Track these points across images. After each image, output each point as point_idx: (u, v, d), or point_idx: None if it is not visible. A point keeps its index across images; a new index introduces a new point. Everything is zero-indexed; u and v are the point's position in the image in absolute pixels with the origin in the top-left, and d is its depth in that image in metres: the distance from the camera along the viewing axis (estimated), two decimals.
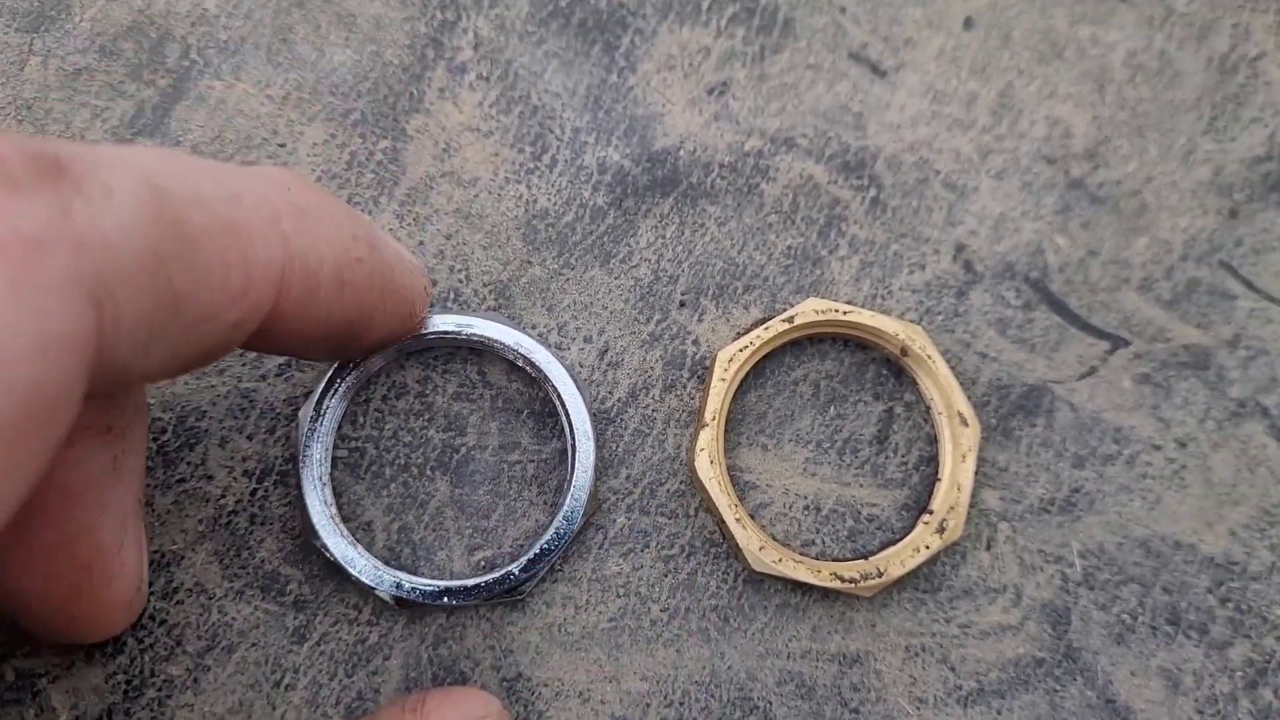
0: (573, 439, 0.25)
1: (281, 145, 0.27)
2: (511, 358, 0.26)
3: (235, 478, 0.26)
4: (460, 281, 0.27)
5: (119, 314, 0.14)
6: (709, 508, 0.26)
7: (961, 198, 0.29)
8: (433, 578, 0.26)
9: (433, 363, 0.27)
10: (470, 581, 0.25)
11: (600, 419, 0.27)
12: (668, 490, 0.27)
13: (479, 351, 0.27)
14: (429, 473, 0.26)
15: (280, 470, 0.26)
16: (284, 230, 0.18)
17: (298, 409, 0.26)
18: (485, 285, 0.27)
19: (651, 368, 0.27)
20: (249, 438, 0.26)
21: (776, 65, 0.29)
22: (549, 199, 0.28)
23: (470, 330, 0.25)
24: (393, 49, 0.28)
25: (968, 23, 0.30)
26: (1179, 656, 0.27)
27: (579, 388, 0.25)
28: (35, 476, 0.14)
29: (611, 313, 0.27)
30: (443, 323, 0.25)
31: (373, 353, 0.25)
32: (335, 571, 0.26)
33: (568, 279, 0.27)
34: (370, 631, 0.26)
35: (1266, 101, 0.30)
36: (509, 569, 0.25)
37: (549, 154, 0.28)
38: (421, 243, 0.27)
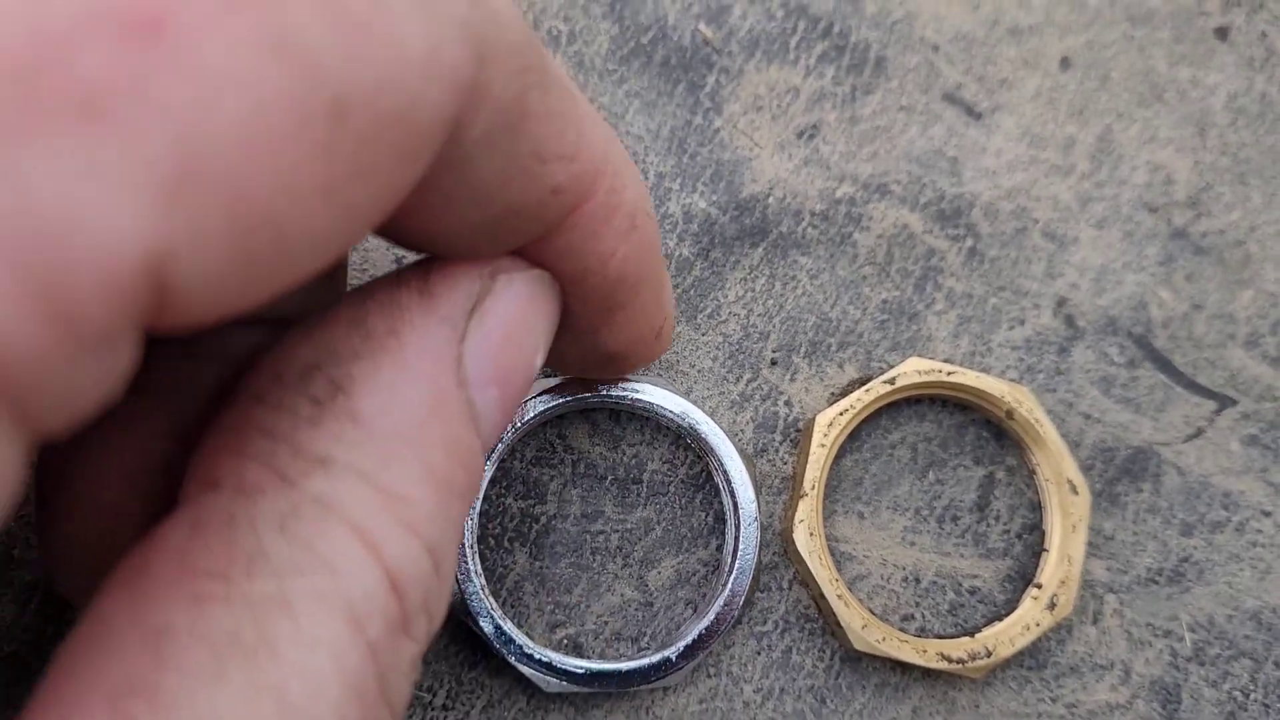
0: (736, 520, 0.24)
1: None
2: (673, 427, 0.24)
3: None
4: None
5: (489, 82, 0.13)
6: (805, 581, 0.25)
7: (1061, 248, 0.27)
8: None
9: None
10: (623, 666, 0.23)
11: (687, 485, 0.25)
12: (760, 562, 0.25)
13: (560, 415, 0.25)
14: (507, 544, 0.25)
15: None
16: (608, 138, 0.16)
17: None
18: None
19: (742, 430, 0.26)
20: None
21: (868, 107, 0.28)
22: None
23: (636, 396, 0.24)
24: None
25: (1064, 63, 0.29)
26: None
27: (747, 465, 0.24)
28: (391, 193, 0.12)
29: (699, 371, 0.26)
30: (606, 385, 0.24)
31: (592, 373, 0.22)
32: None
33: None
34: (446, 716, 0.24)
35: None
36: (666, 654, 0.23)
37: None
38: None
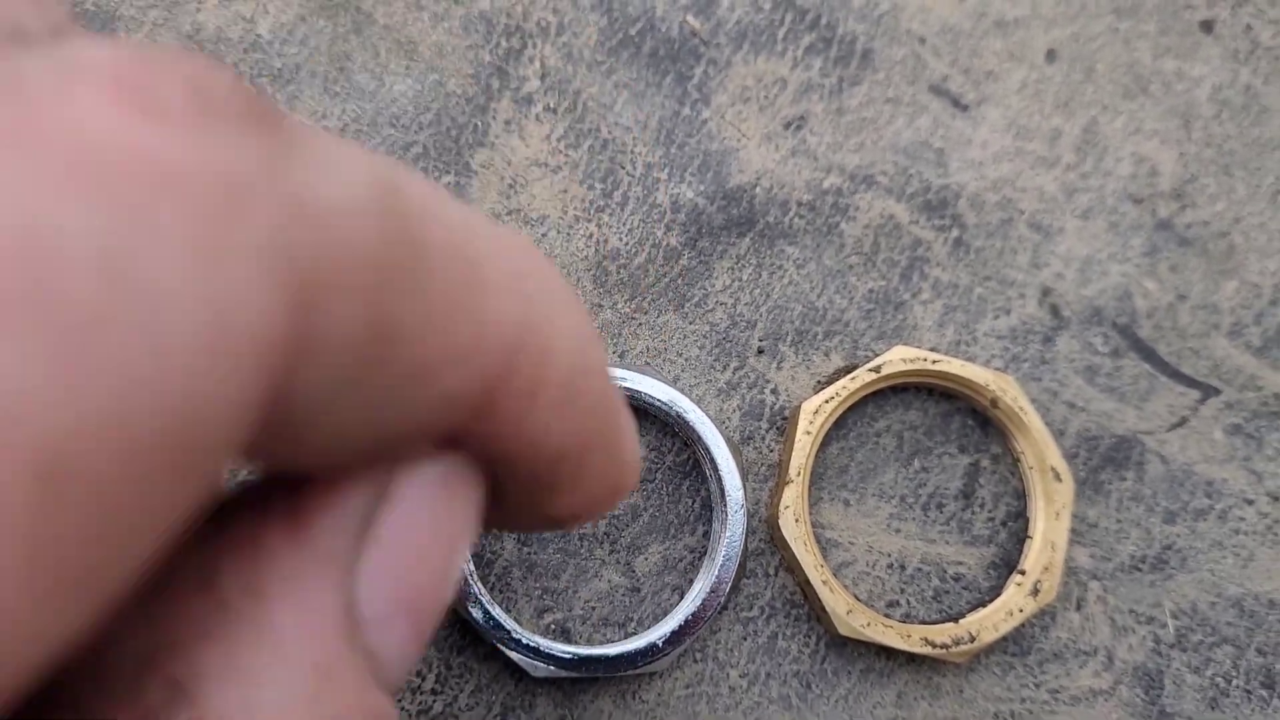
0: (723, 507, 0.24)
1: None
2: (661, 414, 0.24)
3: None
4: None
5: (325, 328, 0.10)
6: (791, 568, 0.25)
7: (1047, 239, 0.28)
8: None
9: None
10: (610, 650, 0.23)
11: (674, 472, 0.26)
12: (747, 548, 0.25)
13: None
14: (494, 530, 0.25)
15: None
16: (527, 291, 0.12)
17: None
18: None
19: (729, 418, 0.26)
20: None
21: (855, 98, 0.28)
22: (620, 239, 0.26)
23: (623, 384, 0.24)
24: (456, 79, 0.26)
25: (1050, 55, 0.29)
26: None
27: (733, 453, 0.24)
28: (154, 545, 0.09)
29: (686, 360, 0.26)
30: None
31: (549, 530, 0.20)
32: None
33: (640, 324, 0.26)
34: (434, 701, 0.24)
35: None
36: (651, 639, 0.23)
37: (620, 191, 0.26)
38: None
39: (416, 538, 0.12)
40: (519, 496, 0.14)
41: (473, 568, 0.23)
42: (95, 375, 0.07)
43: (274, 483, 0.12)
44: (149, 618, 0.11)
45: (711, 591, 0.24)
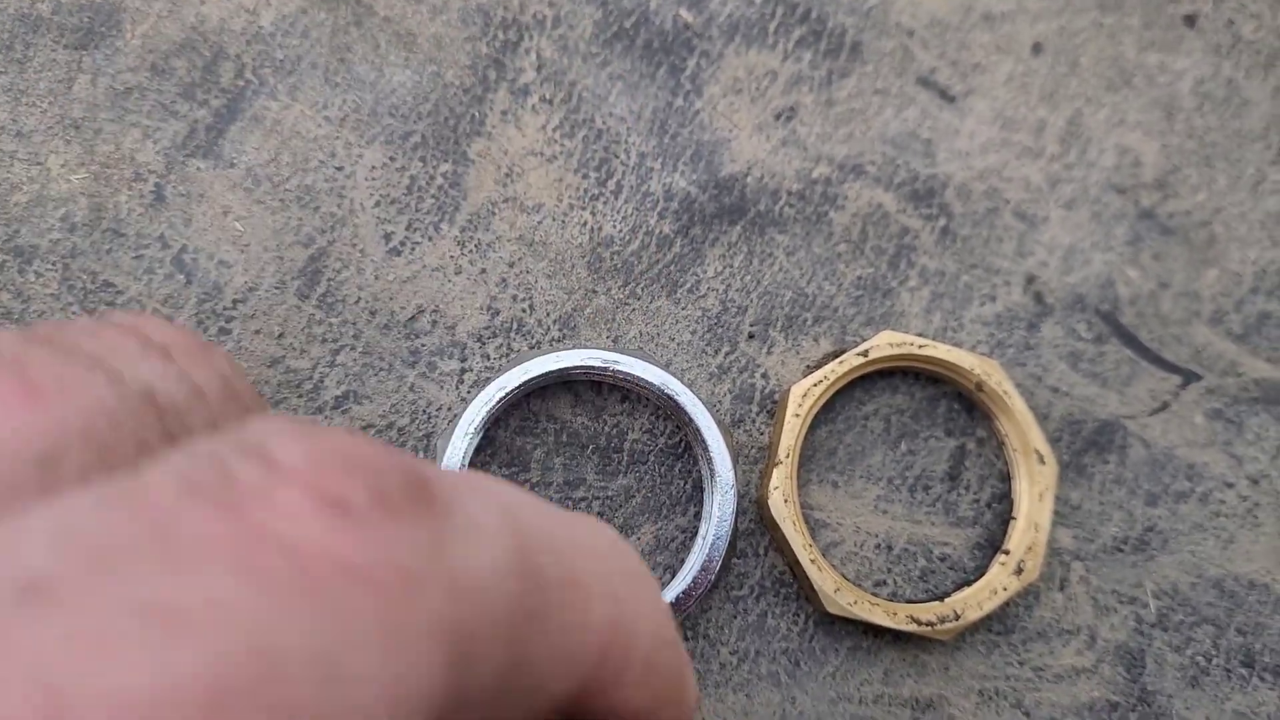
0: (713, 487, 0.25)
1: (339, 169, 0.26)
2: (654, 397, 0.25)
3: None
4: (524, 311, 0.26)
5: (473, 675, 0.11)
6: (780, 547, 0.26)
7: (1032, 228, 0.28)
8: None
9: None
10: None
11: (666, 454, 0.26)
12: (737, 528, 0.26)
13: (544, 385, 0.26)
14: None
15: None
16: (616, 590, 0.14)
17: None
18: (550, 316, 0.26)
19: (720, 401, 0.27)
20: None
21: (844, 90, 0.28)
22: (614, 226, 0.27)
23: (617, 367, 0.25)
24: (454, 69, 0.27)
25: (1036, 48, 0.29)
26: (1254, 700, 0.27)
27: (724, 435, 0.25)
28: None
29: (679, 344, 0.27)
30: (588, 358, 0.25)
31: None
32: None
33: (634, 309, 0.27)
34: None
35: None
36: None
37: (614, 180, 0.27)
38: (484, 270, 0.26)
39: None
40: None
41: None
42: None
43: None
44: None
45: (702, 570, 0.24)
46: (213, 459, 0.10)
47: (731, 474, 0.25)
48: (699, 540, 0.25)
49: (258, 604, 0.09)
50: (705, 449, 0.25)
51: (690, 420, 0.25)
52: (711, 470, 0.25)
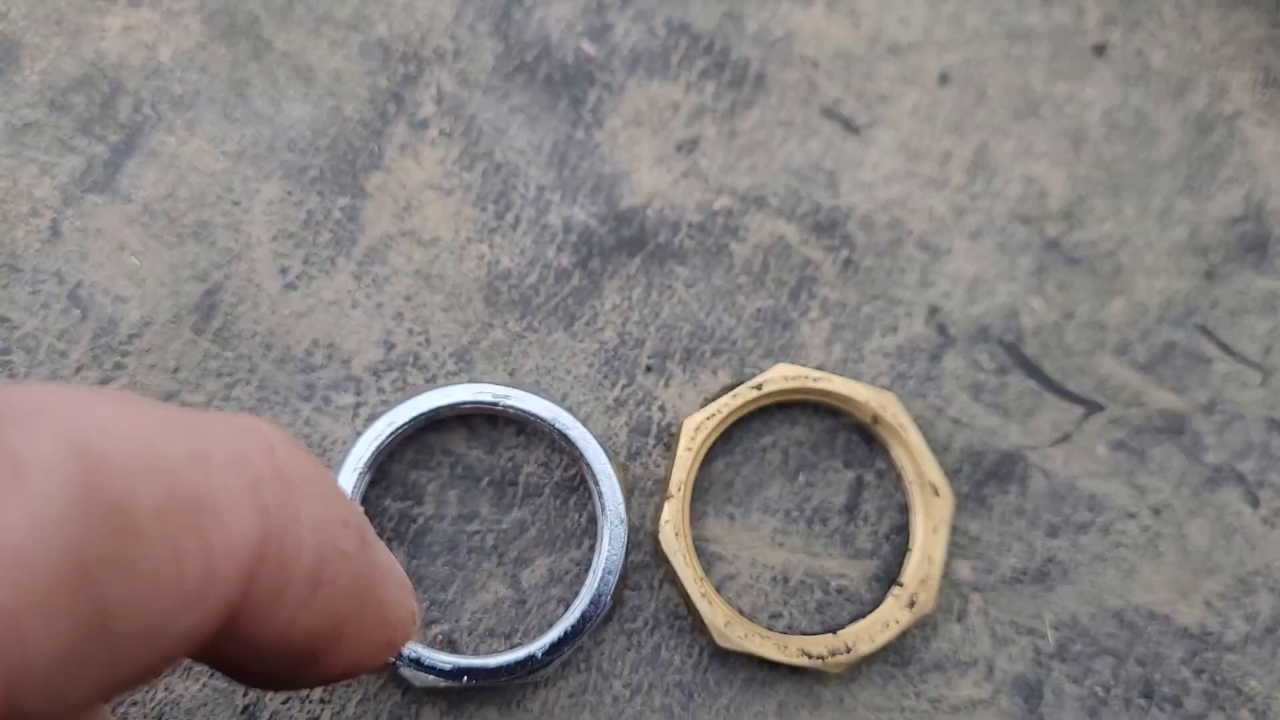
0: (604, 520, 0.25)
1: (236, 203, 0.26)
2: (547, 431, 0.25)
3: None
4: (420, 345, 0.26)
5: (26, 652, 0.10)
6: (673, 580, 0.26)
7: (935, 258, 0.28)
8: None
9: None
10: (491, 661, 0.24)
11: (561, 487, 0.26)
12: (631, 561, 0.26)
13: (437, 420, 0.26)
14: (385, 543, 0.26)
15: None
16: (264, 501, 0.13)
17: None
18: (445, 349, 0.26)
19: (616, 434, 0.27)
20: None
21: (748, 121, 0.28)
22: (512, 259, 0.27)
23: (508, 401, 0.25)
24: (353, 103, 0.27)
25: (943, 78, 0.29)
26: None
27: (615, 468, 0.25)
28: None
29: (575, 377, 0.27)
30: (479, 392, 0.25)
31: (326, 684, 0.18)
32: None
33: (530, 342, 0.27)
34: (322, 710, 0.25)
35: (1243, 161, 0.30)
36: (531, 650, 0.24)
37: (512, 213, 0.27)
38: (380, 304, 0.26)
39: None
40: (281, 669, 0.15)
41: None
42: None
43: None
44: None
45: (591, 604, 0.24)
46: None
47: (623, 508, 0.25)
48: (590, 574, 0.25)
49: None
50: (597, 483, 0.25)
51: (582, 454, 0.25)
52: (603, 504, 0.25)
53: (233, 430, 0.14)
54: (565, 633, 0.24)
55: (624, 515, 0.25)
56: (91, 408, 0.12)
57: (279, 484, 0.14)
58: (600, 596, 0.24)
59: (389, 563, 0.17)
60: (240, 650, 0.14)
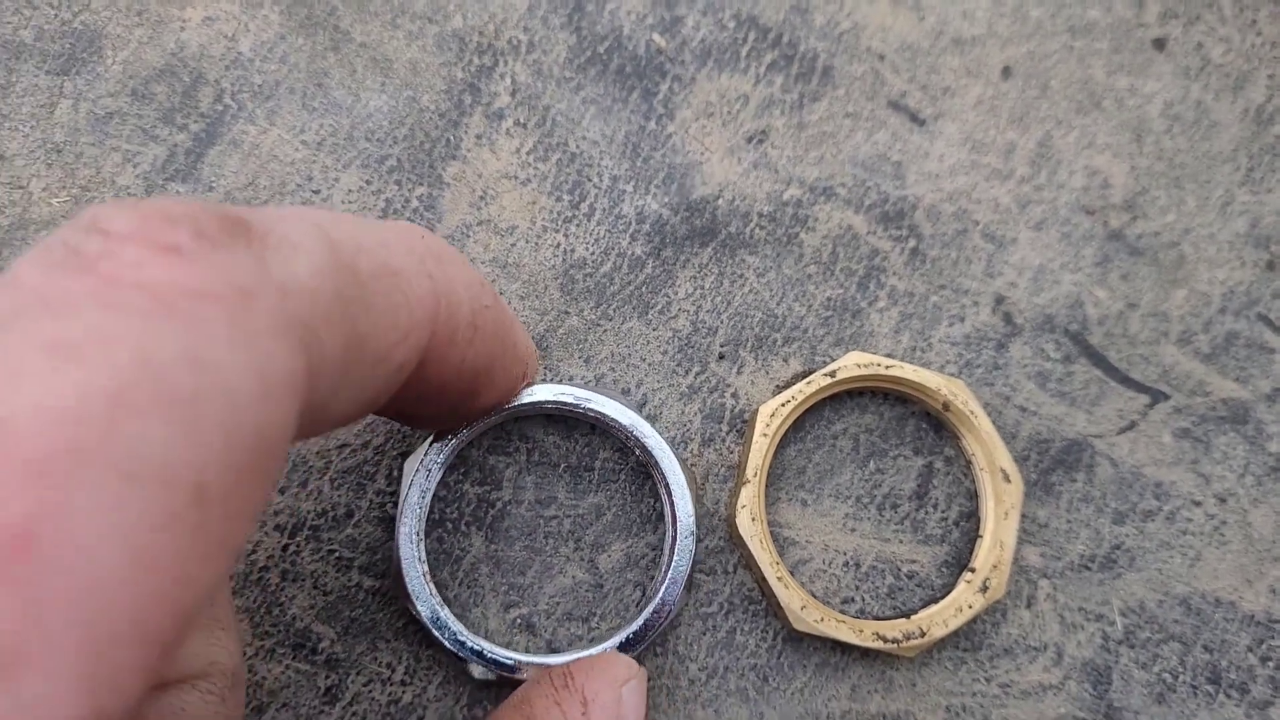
0: (674, 531, 0.25)
1: (316, 192, 0.27)
2: (623, 437, 0.25)
3: (266, 533, 0.25)
4: None
5: (322, 355, 0.15)
6: (749, 565, 0.26)
7: (1001, 249, 0.29)
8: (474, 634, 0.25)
9: None
10: (554, 660, 0.24)
11: (636, 473, 0.27)
12: (706, 546, 0.26)
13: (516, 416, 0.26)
14: (464, 528, 0.26)
15: (312, 525, 0.25)
16: (429, 270, 0.18)
17: (331, 462, 0.26)
18: None
19: (690, 421, 0.27)
20: (281, 490, 0.25)
21: (815, 113, 0.29)
22: (587, 248, 0.27)
23: (589, 405, 0.25)
24: (429, 94, 0.27)
25: (1006, 72, 0.30)
26: (1220, 717, 0.27)
27: (689, 480, 0.25)
28: (255, 522, 0.14)
29: (650, 365, 0.27)
30: (561, 394, 0.25)
31: (480, 417, 0.25)
32: (418, 632, 0.25)
33: (605, 330, 0.27)
34: (404, 692, 0.25)
35: None
36: (593, 654, 0.24)
37: (587, 202, 0.27)
38: None
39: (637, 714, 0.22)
40: (457, 398, 0.21)
41: (426, 569, 0.24)
42: (205, 429, 0.12)
43: (561, 676, 0.22)
44: None
45: (654, 613, 0.24)
46: (61, 243, 0.13)
47: (693, 520, 0.25)
48: (654, 584, 0.25)
49: (128, 327, 0.12)
50: (669, 491, 0.25)
51: (655, 463, 0.25)
52: (674, 514, 0.25)
53: (396, 226, 0.19)
54: (629, 637, 0.24)
55: (694, 529, 0.25)
56: (314, 212, 0.16)
57: (435, 259, 0.19)
58: (664, 605, 0.25)
59: (514, 314, 0.22)
60: (424, 389, 0.19)
